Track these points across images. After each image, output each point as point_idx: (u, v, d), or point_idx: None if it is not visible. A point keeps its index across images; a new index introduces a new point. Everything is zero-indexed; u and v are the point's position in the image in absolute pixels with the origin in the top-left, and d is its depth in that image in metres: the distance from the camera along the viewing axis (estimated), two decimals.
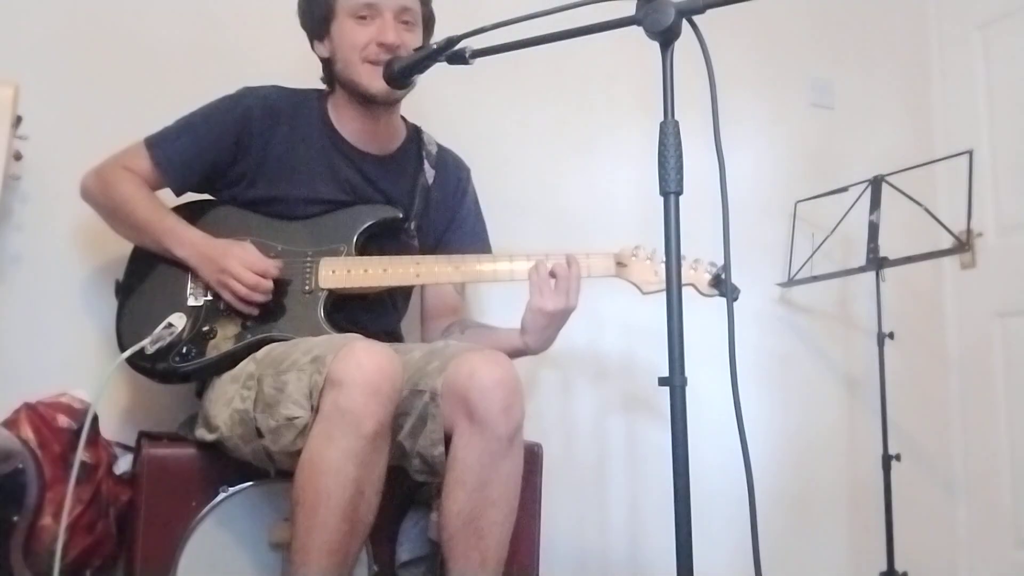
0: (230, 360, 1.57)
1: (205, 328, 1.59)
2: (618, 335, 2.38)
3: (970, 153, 2.33)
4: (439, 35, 1.47)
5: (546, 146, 2.41)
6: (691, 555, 1.09)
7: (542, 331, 1.62)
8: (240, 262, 1.57)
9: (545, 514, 1.77)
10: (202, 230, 1.64)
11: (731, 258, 1.22)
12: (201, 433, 1.56)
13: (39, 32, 1.90)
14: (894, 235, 2.51)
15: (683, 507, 1.10)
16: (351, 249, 1.67)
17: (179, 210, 1.70)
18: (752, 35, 2.68)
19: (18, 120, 1.23)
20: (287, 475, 1.38)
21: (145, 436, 1.66)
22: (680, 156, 1.16)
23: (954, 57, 2.96)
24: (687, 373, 1.12)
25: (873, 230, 2.46)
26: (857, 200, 2.50)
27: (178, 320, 1.59)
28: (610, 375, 2.40)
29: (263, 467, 1.48)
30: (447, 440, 1.46)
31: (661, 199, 1.16)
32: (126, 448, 1.71)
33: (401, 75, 1.58)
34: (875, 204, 2.46)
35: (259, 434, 1.43)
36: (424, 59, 1.51)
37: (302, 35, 1.77)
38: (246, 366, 1.52)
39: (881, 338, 2.45)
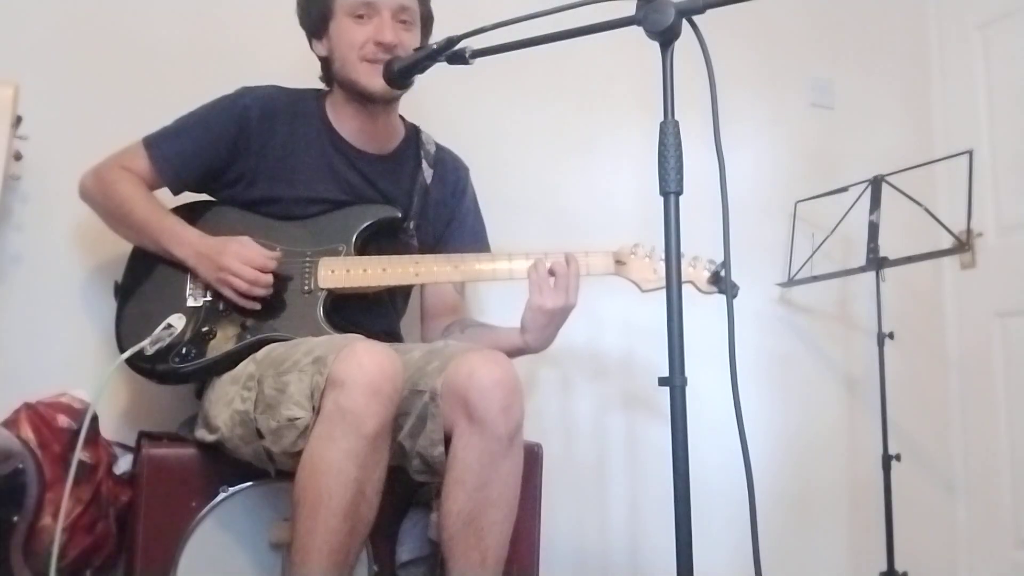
0: (230, 361, 1.57)
1: (204, 329, 1.59)
2: (618, 334, 2.38)
3: (970, 153, 2.33)
4: (439, 35, 1.47)
5: (546, 146, 2.41)
6: (691, 555, 1.09)
7: (542, 329, 1.62)
8: (238, 258, 1.57)
9: (545, 514, 1.77)
10: (201, 230, 1.64)
11: (731, 258, 1.22)
12: (201, 434, 1.56)
13: (39, 32, 1.90)
14: (894, 235, 2.51)
15: (683, 507, 1.10)
16: (350, 249, 1.67)
17: (178, 211, 1.70)
18: (752, 35, 2.68)
19: (18, 120, 1.23)
20: (287, 475, 1.38)
21: (145, 436, 1.65)
22: (680, 156, 1.16)
23: (954, 57, 2.96)
24: (687, 373, 1.12)
25: (873, 230, 2.46)
26: (857, 200, 2.50)
27: (177, 321, 1.59)
28: (610, 375, 2.40)
29: (263, 467, 1.48)
30: (447, 440, 1.46)
31: (661, 199, 1.16)
32: (126, 448, 1.71)
33: (401, 75, 1.58)
34: (875, 204, 2.46)
35: (260, 435, 1.42)
36: (424, 59, 1.51)
37: (302, 35, 1.77)
38: (246, 367, 1.52)
39: (881, 338, 2.45)
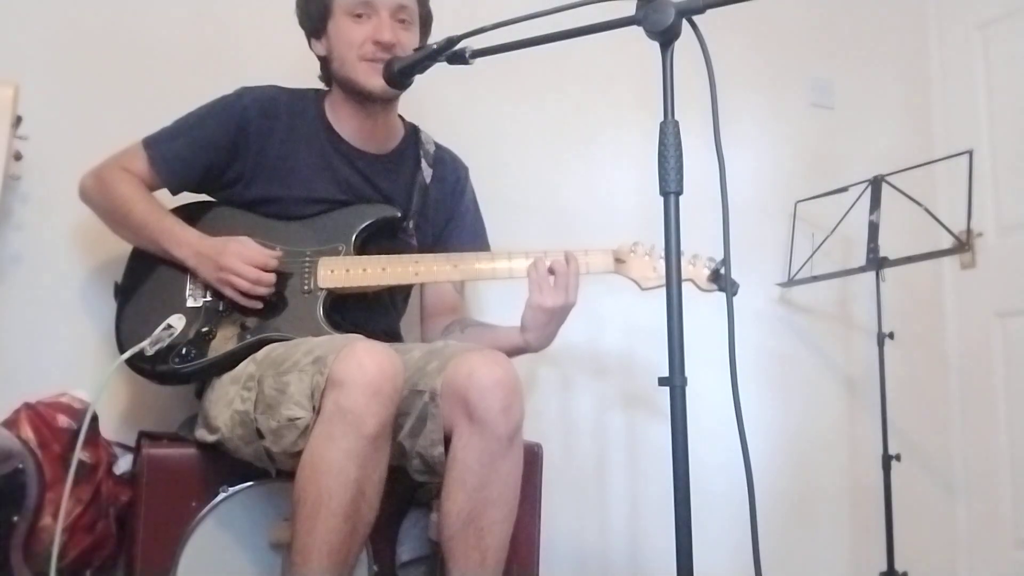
0: (230, 361, 1.57)
1: (204, 329, 1.59)
2: (618, 334, 2.38)
3: (970, 153, 2.33)
4: (439, 35, 1.47)
5: (546, 146, 2.41)
6: (691, 555, 1.09)
7: (542, 328, 1.62)
8: (239, 257, 1.57)
9: (545, 514, 1.77)
10: (200, 231, 1.64)
11: (731, 257, 1.22)
12: (201, 434, 1.56)
13: (39, 32, 1.90)
14: (894, 235, 2.51)
15: (683, 507, 1.10)
16: (350, 248, 1.67)
17: (178, 211, 1.70)
18: (752, 35, 2.68)
19: (18, 120, 1.23)
20: (288, 475, 1.38)
21: (145, 436, 1.65)
22: (680, 156, 1.16)
23: (954, 57, 2.96)
24: (687, 373, 1.12)
25: (873, 230, 2.46)
26: (857, 200, 2.50)
27: (177, 321, 1.59)
28: (610, 374, 2.40)
29: (264, 467, 1.48)
30: (447, 440, 1.46)
31: (661, 199, 1.16)
32: (126, 448, 1.71)
33: (401, 75, 1.58)
34: (875, 204, 2.46)
35: (260, 435, 1.42)
36: (424, 59, 1.51)
37: (302, 35, 1.77)
38: (246, 367, 1.52)
39: (881, 338, 2.45)
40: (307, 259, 1.65)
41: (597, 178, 2.46)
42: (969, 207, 2.31)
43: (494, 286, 2.08)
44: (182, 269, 1.63)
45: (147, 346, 1.55)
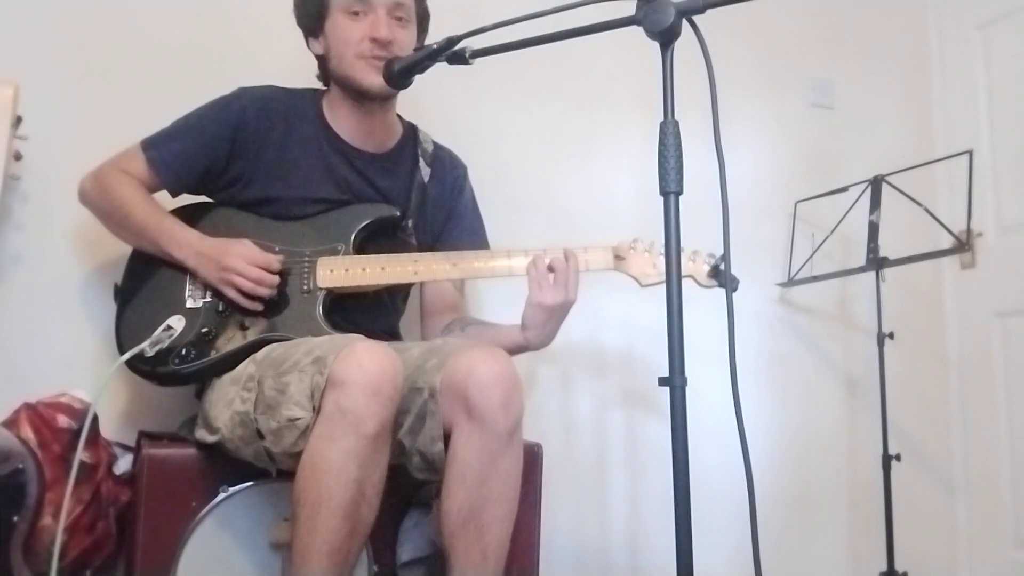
0: (230, 361, 1.57)
1: (204, 330, 1.59)
2: (618, 333, 2.38)
3: (970, 153, 2.33)
4: (440, 35, 1.47)
5: (546, 146, 2.41)
6: (691, 555, 1.09)
7: (543, 326, 1.61)
8: (242, 258, 1.58)
9: (545, 514, 1.77)
10: (200, 232, 1.64)
11: (731, 257, 1.22)
12: (201, 434, 1.56)
13: (39, 32, 1.90)
14: (894, 235, 2.51)
15: (683, 507, 1.10)
16: (349, 248, 1.67)
17: (177, 213, 1.70)
18: (752, 35, 2.68)
19: (18, 120, 1.24)
20: (288, 475, 1.38)
21: (145, 436, 1.66)
22: (680, 156, 1.16)
23: (954, 57, 2.96)
24: (687, 373, 1.12)
25: (873, 230, 2.46)
26: (857, 200, 2.50)
27: (177, 322, 1.59)
28: (610, 373, 2.40)
29: (265, 468, 1.48)
30: (447, 437, 1.46)
31: (661, 199, 1.16)
32: (126, 448, 1.71)
33: (401, 75, 1.58)
34: (875, 204, 2.46)
35: (260, 435, 1.42)
36: (424, 59, 1.51)
37: (301, 35, 1.77)
38: (246, 367, 1.52)
39: (881, 338, 2.45)
40: (306, 259, 1.65)
41: (597, 178, 2.46)
42: (969, 207, 2.31)
43: (494, 285, 2.08)
44: (182, 270, 1.63)
45: (147, 347, 1.55)
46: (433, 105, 2.05)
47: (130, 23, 1.98)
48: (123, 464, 1.67)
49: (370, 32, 1.65)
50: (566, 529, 2.24)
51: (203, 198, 1.76)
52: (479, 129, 2.28)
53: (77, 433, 1.50)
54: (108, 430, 1.70)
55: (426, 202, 1.82)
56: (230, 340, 1.59)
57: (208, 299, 1.62)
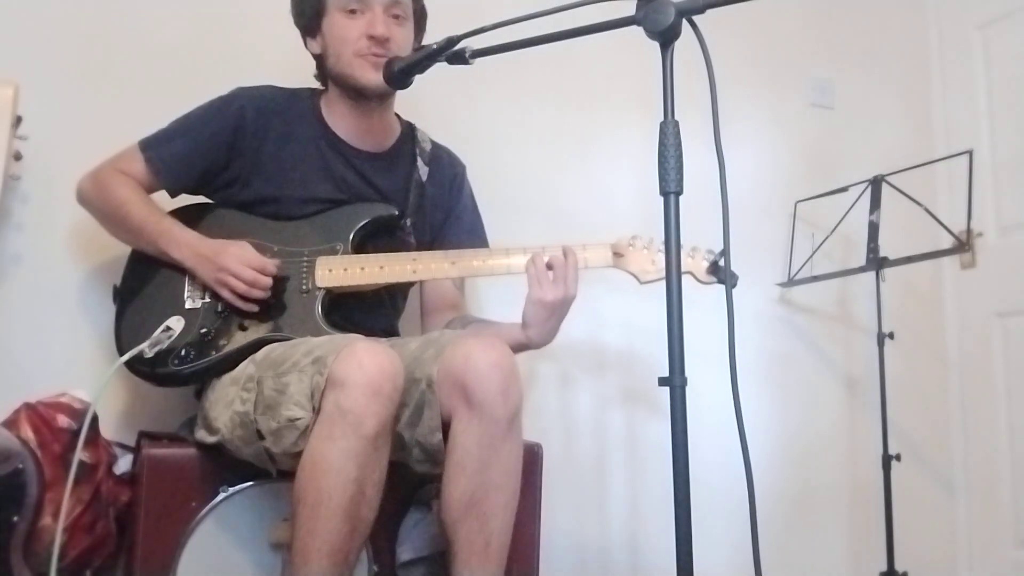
0: (229, 362, 1.57)
1: (203, 330, 1.59)
2: (618, 332, 2.38)
3: (970, 153, 2.33)
4: (440, 35, 1.47)
5: (546, 146, 2.41)
6: (691, 555, 1.09)
7: (544, 323, 1.61)
8: (238, 259, 1.58)
9: (545, 514, 1.77)
10: (199, 232, 1.64)
11: (731, 257, 1.22)
12: (201, 435, 1.56)
13: (39, 32, 1.90)
14: (894, 235, 2.51)
15: (683, 507, 1.10)
16: (347, 247, 1.67)
17: (175, 213, 1.70)
18: (752, 35, 2.68)
19: (18, 120, 1.23)
20: (288, 475, 1.38)
21: (145, 436, 1.66)
22: (680, 156, 1.16)
23: (954, 57, 2.96)
24: (687, 372, 1.12)
25: (873, 230, 2.46)
26: (857, 200, 2.49)
27: (176, 323, 1.59)
28: (610, 372, 2.40)
29: (265, 468, 1.48)
30: (446, 428, 1.45)
31: (661, 199, 1.16)
32: (126, 448, 1.71)
33: (401, 75, 1.58)
34: (875, 204, 2.46)
35: (260, 436, 1.42)
36: (424, 59, 1.51)
37: (299, 35, 1.77)
38: (245, 368, 1.52)
39: (881, 338, 2.45)
40: (305, 259, 1.65)
41: (597, 178, 2.46)
42: (969, 207, 2.31)
43: (493, 284, 2.08)
44: (180, 271, 1.63)
45: (146, 348, 1.55)
46: (433, 105, 2.05)
47: (130, 23, 1.98)
48: (123, 464, 1.67)
49: (367, 30, 1.65)
50: (566, 529, 2.24)
51: (202, 198, 1.76)
52: (479, 129, 2.28)
53: (77, 433, 1.50)
54: (108, 430, 1.70)
55: (424, 201, 1.82)
56: (229, 340, 1.59)
57: (207, 300, 1.62)
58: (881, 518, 2.36)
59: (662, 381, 1.12)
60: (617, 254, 1.71)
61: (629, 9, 1.19)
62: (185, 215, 1.69)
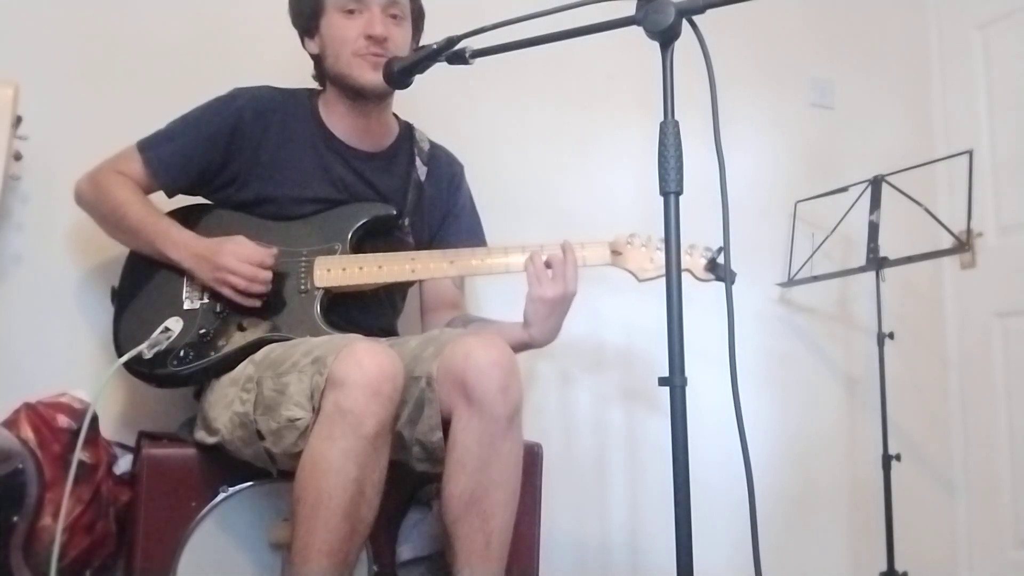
0: (228, 362, 1.57)
1: (202, 331, 1.59)
2: (618, 331, 2.38)
3: (970, 153, 2.33)
4: (440, 35, 1.47)
5: (546, 146, 2.41)
6: (691, 554, 1.09)
7: (545, 321, 1.61)
8: (235, 256, 1.57)
9: (545, 513, 1.77)
10: (197, 233, 1.64)
11: (730, 257, 1.22)
12: (201, 436, 1.56)
13: (39, 32, 1.90)
14: (894, 235, 2.51)
15: (683, 507, 1.10)
16: (346, 247, 1.67)
17: (173, 214, 1.70)
18: (752, 35, 2.68)
19: (18, 120, 1.23)
20: (288, 475, 1.38)
21: (145, 436, 1.66)
22: (680, 156, 1.16)
23: (954, 57, 2.96)
24: (687, 372, 1.12)
25: (873, 230, 2.46)
26: (857, 200, 2.50)
27: (175, 324, 1.59)
28: (610, 371, 2.40)
29: (266, 468, 1.48)
30: (446, 426, 1.45)
31: (661, 199, 1.16)
32: (126, 448, 1.71)
33: (401, 75, 1.58)
34: (875, 204, 2.46)
35: (260, 436, 1.42)
36: (424, 59, 1.51)
37: (297, 35, 1.77)
38: (245, 368, 1.52)
39: (881, 338, 2.45)
40: (303, 259, 1.65)
41: (597, 178, 2.46)
42: (969, 207, 2.31)
43: (494, 285, 2.08)
44: (179, 271, 1.63)
45: (145, 349, 1.55)
46: (433, 105, 2.05)
47: (130, 23, 1.98)
48: (123, 464, 1.67)
49: (365, 30, 1.65)
50: (566, 528, 2.24)
51: (199, 199, 1.76)
52: (479, 129, 2.28)
53: (77, 433, 1.50)
54: (108, 430, 1.70)
55: (423, 200, 1.82)
56: (228, 341, 1.59)
57: (206, 300, 1.62)
58: (881, 518, 2.36)
59: (662, 381, 1.12)
60: (615, 252, 1.71)
61: (629, 9, 1.19)
62: (183, 216, 1.69)
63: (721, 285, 1.66)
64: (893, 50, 2.97)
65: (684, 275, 1.20)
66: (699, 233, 1.60)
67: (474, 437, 1.41)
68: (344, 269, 1.64)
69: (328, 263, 1.64)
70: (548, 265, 1.61)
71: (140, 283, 1.66)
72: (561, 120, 2.43)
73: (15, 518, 1.34)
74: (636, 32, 1.20)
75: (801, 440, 2.63)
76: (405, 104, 1.84)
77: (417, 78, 1.60)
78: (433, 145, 1.89)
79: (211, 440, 1.52)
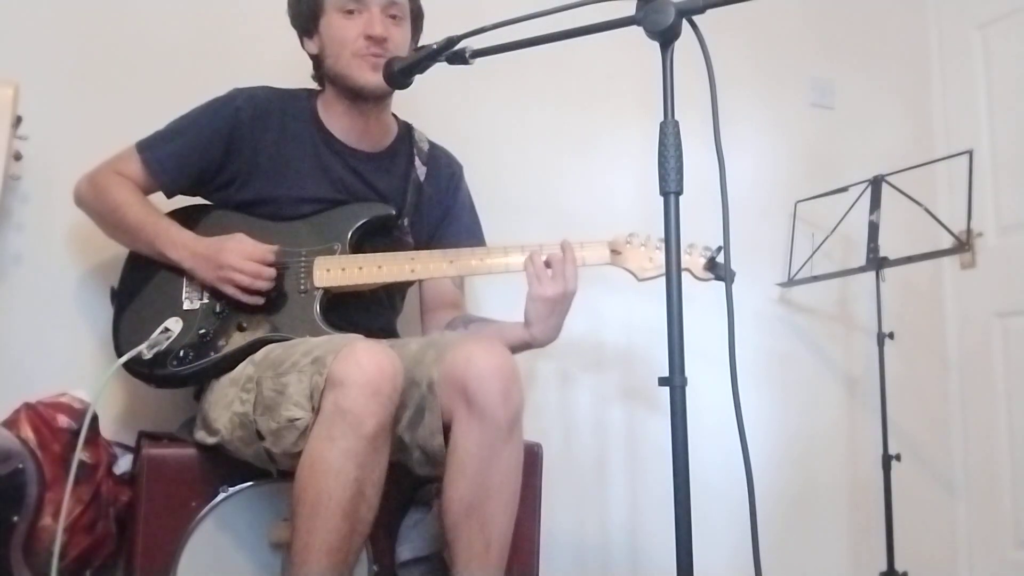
0: (228, 362, 1.57)
1: (202, 331, 1.59)
2: (618, 331, 2.38)
3: (970, 153, 2.33)
4: (440, 35, 1.47)
5: (546, 146, 2.41)
6: (691, 554, 1.09)
7: (545, 320, 1.61)
8: (237, 254, 1.57)
9: (545, 513, 1.77)
10: (196, 234, 1.64)
11: (730, 257, 1.22)
12: (201, 436, 1.56)
13: (39, 32, 1.90)
14: (894, 235, 2.51)
15: (683, 507, 1.10)
16: (345, 247, 1.67)
17: (173, 215, 1.69)
18: (752, 35, 2.68)
19: (18, 120, 1.23)
20: (288, 475, 1.38)
21: (145, 436, 1.65)
22: (680, 156, 1.16)
23: (954, 57, 2.96)
24: (687, 372, 1.12)
25: (873, 230, 2.46)
26: (857, 200, 2.50)
27: (174, 324, 1.59)
28: (610, 370, 2.40)
29: (266, 468, 1.48)
30: (446, 431, 1.45)
31: (661, 199, 1.16)
32: (126, 448, 1.71)
33: (401, 75, 1.58)
34: (875, 204, 2.46)
35: (260, 436, 1.42)
36: (424, 59, 1.51)
37: (296, 36, 1.77)
38: (244, 368, 1.52)
39: (881, 338, 2.45)
40: (303, 259, 1.65)
41: (597, 178, 2.46)
42: (969, 207, 2.31)
43: (494, 286, 2.08)
44: (178, 272, 1.63)
45: (144, 350, 1.55)
46: (433, 105, 2.05)
47: (130, 23, 1.98)
48: (123, 464, 1.67)
49: (365, 30, 1.65)
50: (566, 528, 2.24)
51: (199, 200, 1.76)
52: (479, 129, 2.28)
53: (77, 433, 1.50)
54: (108, 430, 1.70)
55: (422, 200, 1.82)
56: (228, 341, 1.59)
57: (205, 300, 1.62)
58: (881, 518, 2.36)
59: (662, 381, 1.12)
60: (614, 251, 1.71)
61: (629, 9, 1.19)
62: (183, 216, 1.69)
63: (721, 285, 1.66)
64: (893, 50, 2.97)
65: (684, 275, 1.20)
66: (699, 233, 1.60)
67: (475, 443, 1.42)
68: (344, 269, 1.64)
69: (328, 263, 1.64)
70: (548, 264, 1.61)
71: (140, 283, 1.66)
72: (561, 120, 2.43)
73: (15, 518, 1.34)
74: (636, 32, 1.20)
75: (801, 440, 2.63)
76: (405, 104, 1.84)
77: (417, 78, 1.60)
78: (432, 145, 1.89)
79: (211, 440, 1.52)
